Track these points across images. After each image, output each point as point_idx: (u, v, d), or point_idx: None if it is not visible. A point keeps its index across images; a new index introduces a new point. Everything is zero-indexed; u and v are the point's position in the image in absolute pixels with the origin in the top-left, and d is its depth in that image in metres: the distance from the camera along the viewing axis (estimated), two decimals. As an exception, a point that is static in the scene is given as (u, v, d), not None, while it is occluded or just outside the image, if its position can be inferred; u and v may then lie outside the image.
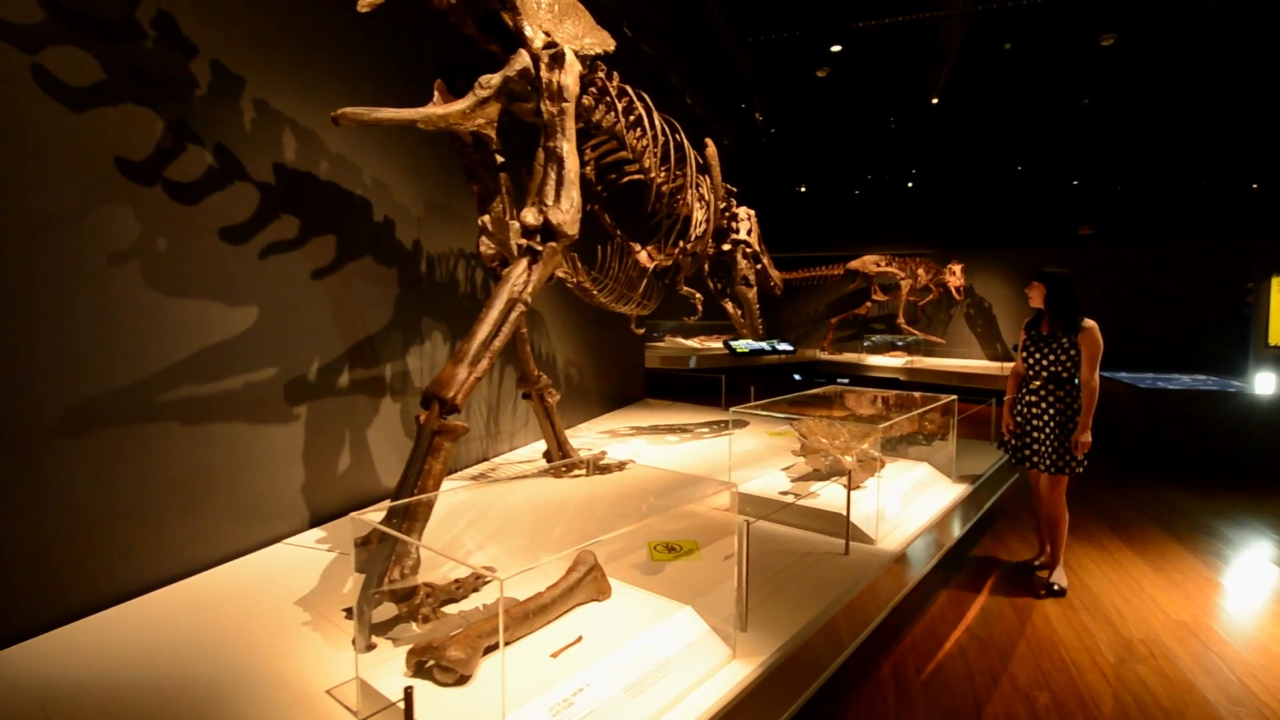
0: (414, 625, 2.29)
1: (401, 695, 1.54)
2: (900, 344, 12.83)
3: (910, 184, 14.78)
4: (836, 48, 10.13)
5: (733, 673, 2.11)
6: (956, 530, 4.14)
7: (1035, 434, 3.87)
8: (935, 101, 11.57)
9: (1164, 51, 9.55)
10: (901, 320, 12.60)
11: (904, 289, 12.40)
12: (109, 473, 2.55)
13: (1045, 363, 3.81)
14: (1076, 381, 3.75)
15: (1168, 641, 3.33)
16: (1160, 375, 8.67)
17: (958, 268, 12.46)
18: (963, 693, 2.89)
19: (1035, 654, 3.21)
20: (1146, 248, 11.42)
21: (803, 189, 15.62)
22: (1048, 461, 3.78)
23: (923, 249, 13.42)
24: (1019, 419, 3.99)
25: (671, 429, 6.14)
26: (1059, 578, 3.90)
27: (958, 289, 12.42)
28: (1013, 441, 4.03)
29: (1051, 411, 3.79)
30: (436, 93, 2.80)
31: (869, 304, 12.83)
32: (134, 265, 2.63)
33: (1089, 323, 3.71)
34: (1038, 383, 3.86)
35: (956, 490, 4.24)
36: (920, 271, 12.46)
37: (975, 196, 13.72)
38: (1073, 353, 3.73)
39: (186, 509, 2.82)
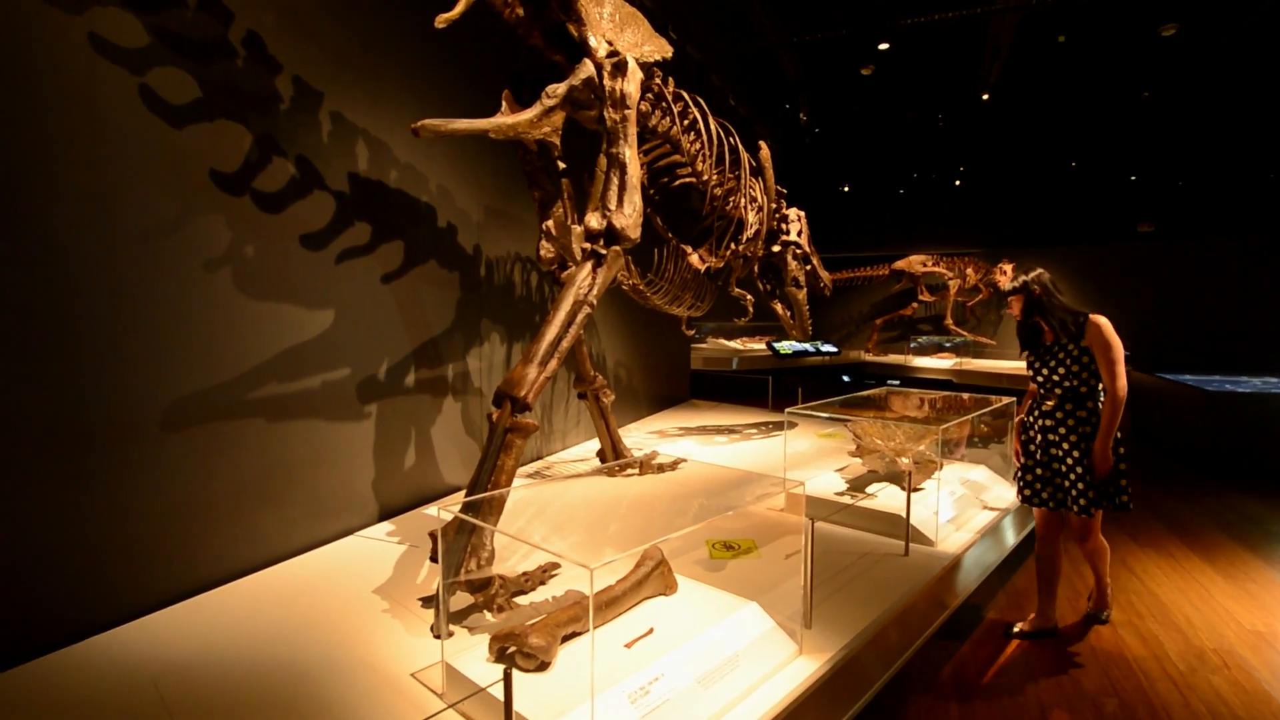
0: (488, 614, 2.39)
1: (488, 679, 1.63)
2: (948, 345, 12.59)
3: (958, 182, 14.47)
4: (884, 46, 10.01)
5: (800, 668, 2.15)
6: (1016, 533, 4.08)
7: (1056, 465, 3.18)
8: (985, 97, 11.32)
9: (1229, 41, 9.18)
10: (949, 321, 12.35)
11: (952, 289, 12.16)
12: (206, 465, 2.73)
13: (1055, 377, 3.12)
14: (1102, 396, 3.10)
15: (1242, 651, 3.23)
16: (1228, 377, 8.34)
17: (1009, 267, 12.15)
18: (1026, 698, 2.86)
19: (1102, 661, 3.15)
20: (1210, 245, 10.98)
21: (846, 189, 15.44)
22: (1082, 501, 3.07)
23: (971, 248, 13.14)
24: (1033, 447, 3.29)
25: (719, 429, 6.18)
26: (1102, 606, 3.48)
27: (1008, 289, 12.12)
28: (1026, 476, 3.31)
29: (1074, 438, 3.09)
30: (505, 103, 2.91)
31: (915, 305, 12.62)
32: (225, 271, 2.79)
33: (1095, 319, 3.04)
34: (1051, 402, 3.17)
35: (1012, 496, 4.17)
36: (969, 271, 12.21)
37: (1027, 194, 13.36)
38: (1085, 360, 3.05)
39: (271, 501, 2.99)
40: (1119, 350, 2.99)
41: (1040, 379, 3.21)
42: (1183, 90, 10.85)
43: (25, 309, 2.20)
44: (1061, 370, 3.11)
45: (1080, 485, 3.08)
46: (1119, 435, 3.07)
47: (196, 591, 2.67)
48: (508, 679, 1.37)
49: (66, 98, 2.29)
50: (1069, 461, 3.11)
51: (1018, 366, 11.71)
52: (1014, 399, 4.50)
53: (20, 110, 2.18)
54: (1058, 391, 3.14)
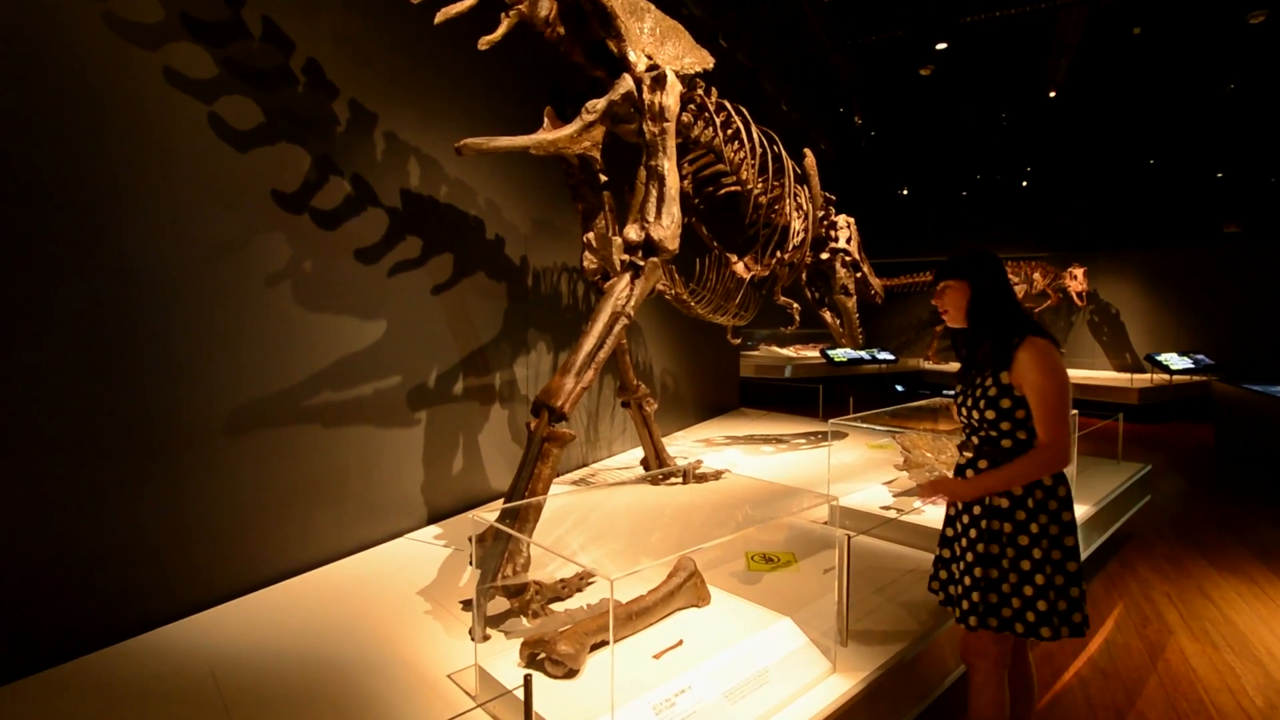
0: (524, 620, 2.44)
1: (518, 683, 1.67)
2: (1013, 353, 12.08)
3: (1025, 183, 13.90)
4: (942, 45, 9.73)
5: (833, 687, 2.11)
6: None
7: (955, 545, 2.13)
8: (1053, 95, 10.85)
9: (1328, 26, 8.52)
10: (1015, 328, 11.85)
11: (1018, 295, 11.69)
12: (265, 468, 2.89)
13: (973, 421, 2.09)
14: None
15: (1331, 689, 2.99)
16: (1326, 390, 7.69)
17: (1079, 271, 11.62)
18: (1083, 727, 2.72)
19: (1169, 693, 2.96)
20: (1307, 246, 10.20)
21: (905, 192, 15.04)
22: (964, 603, 2.02)
23: (1039, 252, 12.60)
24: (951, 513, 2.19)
25: (767, 439, 6.11)
26: None
27: (1079, 294, 11.57)
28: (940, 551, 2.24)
29: (977, 510, 2.04)
30: (546, 119, 2.98)
31: (978, 311, 12.16)
32: (285, 285, 2.96)
33: (1033, 342, 1.97)
34: (968, 454, 2.14)
35: (1077, 511, 3.98)
36: (1036, 276, 11.72)
37: (1100, 194, 12.72)
38: (1005, 405, 1.99)
39: (326, 503, 3.14)
40: (1062, 392, 1.93)
41: (962, 418, 2.16)
42: (1272, 81, 10.12)
43: (100, 322, 2.39)
44: (978, 414, 2.05)
45: (968, 578, 2.01)
46: (1079, 550, 2.03)
47: (254, 589, 2.82)
48: (528, 684, 1.41)
49: (142, 126, 2.48)
50: (963, 542, 2.07)
51: (1088, 375, 11.13)
52: (1075, 411, 4.29)
53: (100, 139, 2.38)
54: (974, 440, 2.12)
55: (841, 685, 2.12)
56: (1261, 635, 3.47)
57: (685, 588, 2.39)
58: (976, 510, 2.05)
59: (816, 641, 2.24)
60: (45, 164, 2.24)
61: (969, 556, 2.04)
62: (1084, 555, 3.96)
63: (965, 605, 2.02)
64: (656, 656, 2.07)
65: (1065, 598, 1.96)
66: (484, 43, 2.62)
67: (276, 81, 2.91)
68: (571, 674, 1.97)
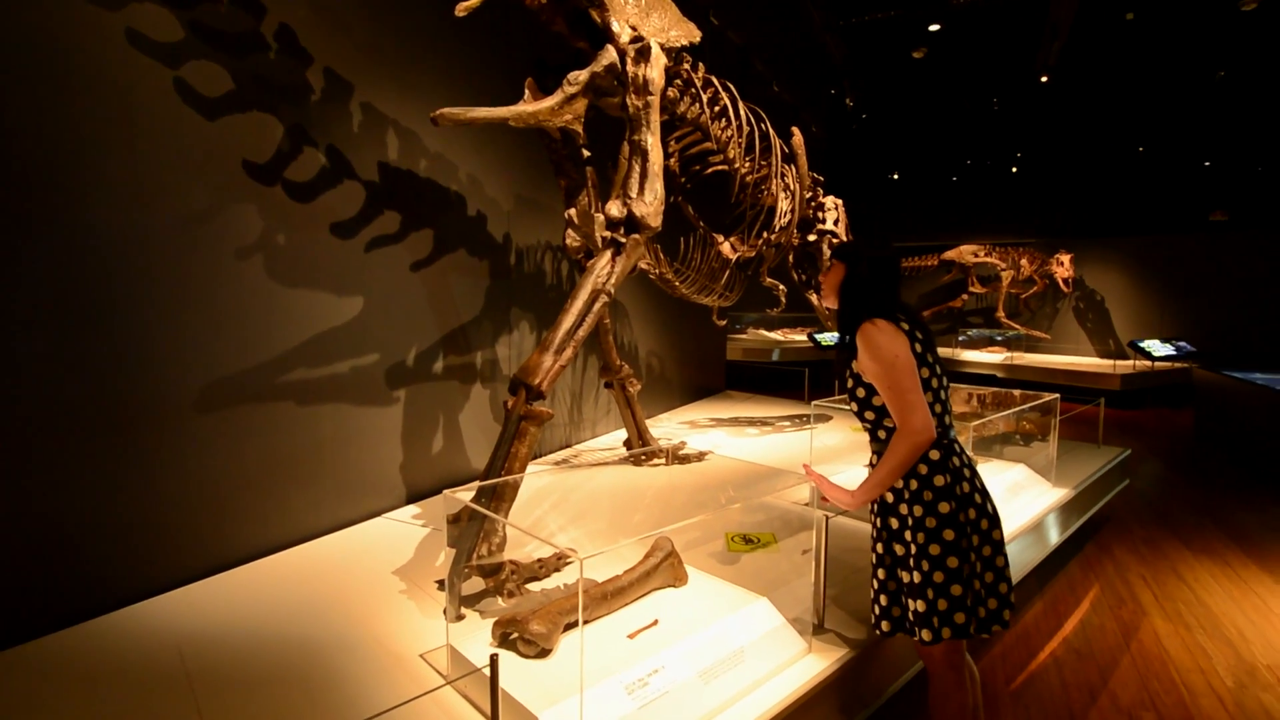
0: (499, 599, 2.42)
1: (487, 662, 1.65)
2: (999, 339, 12.14)
3: (1015, 169, 13.89)
4: (935, 27, 9.65)
5: (808, 666, 2.11)
6: (1055, 536, 3.92)
7: (890, 548, 2.00)
8: (1044, 80, 10.81)
9: (1320, 14, 8.51)
10: (1001, 314, 11.91)
11: (1005, 280, 11.71)
12: (238, 446, 2.83)
13: (854, 411, 2.08)
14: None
15: (1299, 669, 3.03)
16: (1304, 377, 7.78)
17: (1066, 258, 11.65)
18: (1056, 707, 2.74)
19: (1141, 672, 3.00)
20: (1291, 235, 10.26)
21: (896, 176, 15.00)
22: (875, 607, 2.04)
23: (1028, 238, 12.62)
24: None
25: (752, 421, 6.10)
26: None
27: (1066, 280, 11.62)
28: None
29: (874, 507, 2.04)
30: (527, 91, 2.91)
31: (965, 296, 12.20)
32: (258, 259, 2.88)
33: (863, 329, 1.93)
34: (873, 456, 2.11)
35: (1056, 494, 4.00)
36: (1024, 262, 11.74)
37: (1089, 181, 12.73)
38: (861, 394, 2.00)
39: (302, 482, 3.09)
40: (894, 370, 1.86)
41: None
42: (1263, 69, 10.13)
43: (65, 296, 2.31)
44: (855, 406, 2.05)
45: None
46: (973, 543, 1.89)
47: (226, 567, 2.78)
48: (494, 664, 1.39)
49: (104, 92, 2.38)
50: (880, 548, 2.01)
51: (1072, 361, 11.21)
52: (1057, 395, 4.31)
53: (59, 104, 2.28)
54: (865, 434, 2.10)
55: (816, 665, 2.11)
56: (1233, 616, 3.52)
57: (662, 568, 2.37)
58: (874, 507, 2.04)
59: (793, 622, 2.23)
60: (1, 131, 2.15)
61: (872, 557, 2.06)
62: (1062, 537, 3.99)
63: (875, 610, 2.04)
64: (631, 636, 2.05)
65: (945, 596, 1.83)
66: (461, 9, 2.54)
67: (247, 47, 2.82)
68: (544, 654, 1.95)
